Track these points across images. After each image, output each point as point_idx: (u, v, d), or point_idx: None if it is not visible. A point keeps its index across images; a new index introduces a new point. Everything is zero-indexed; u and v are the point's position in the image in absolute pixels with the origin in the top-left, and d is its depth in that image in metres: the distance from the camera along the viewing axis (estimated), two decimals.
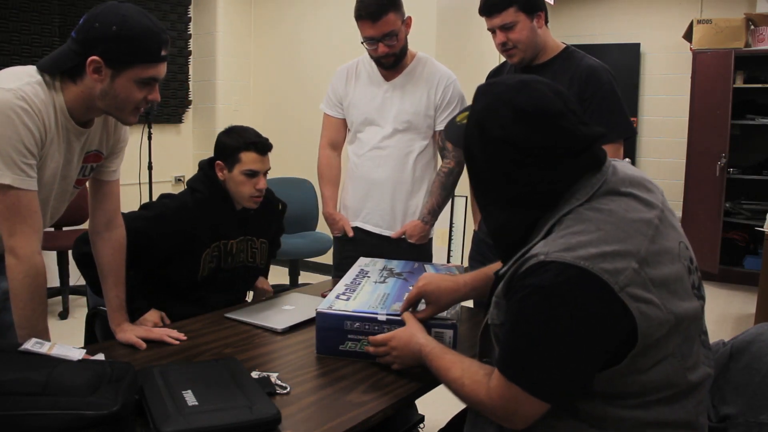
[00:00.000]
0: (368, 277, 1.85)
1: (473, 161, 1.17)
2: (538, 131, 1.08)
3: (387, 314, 1.52)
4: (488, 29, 2.06)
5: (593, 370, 1.03)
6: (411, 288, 1.68)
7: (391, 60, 2.23)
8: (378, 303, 1.60)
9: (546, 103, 1.09)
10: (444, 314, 1.53)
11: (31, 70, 1.39)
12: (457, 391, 1.21)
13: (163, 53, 1.39)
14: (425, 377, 1.40)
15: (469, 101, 2.33)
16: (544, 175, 1.09)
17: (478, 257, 2.32)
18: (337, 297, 1.64)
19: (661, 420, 1.06)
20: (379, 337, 1.47)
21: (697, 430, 1.10)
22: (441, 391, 1.40)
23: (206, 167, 2.02)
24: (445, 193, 2.33)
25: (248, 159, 1.95)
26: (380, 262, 2.03)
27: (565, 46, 2.11)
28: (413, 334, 1.40)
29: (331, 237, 2.52)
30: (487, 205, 1.20)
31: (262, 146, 1.97)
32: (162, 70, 1.41)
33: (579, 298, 0.99)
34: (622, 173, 1.14)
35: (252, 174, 1.96)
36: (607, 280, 0.98)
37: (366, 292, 1.69)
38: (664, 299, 1.02)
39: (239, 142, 1.96)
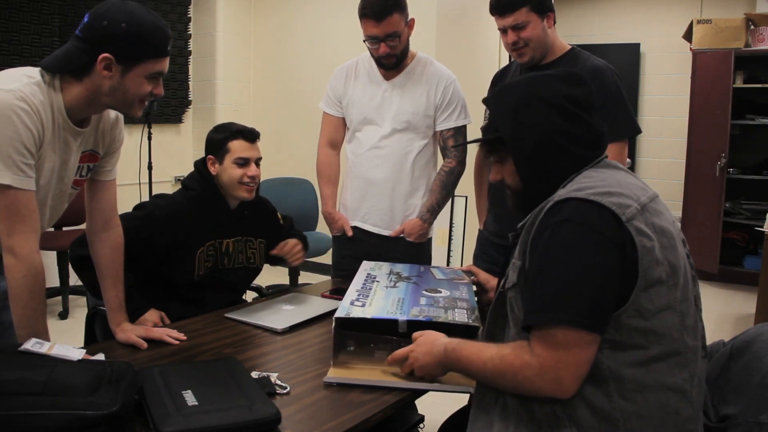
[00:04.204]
0: (377, 281, 1.81)
1: (516, 127, 1.25)
2: (583, 86, 1.26)
3: (407, 319, 1.49)
4: (499, 29, 2.07)
5: (615, 296, 1.08)
6: (424, 292, 1.69)
7: (392, 61, 2.23)
8: (395, 308, 1.56)
9: (579, 75, 1.30)
10: (465, 319, 1.51)
11: (29, 71, 1.40)
12: (497, 366, 1.14)
13: (169, 48, 1.43)
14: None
15: (469, 101, 2.35)
16: (581, 135, 1.23)
17: (483, 256, 2.32)
18: (352, 303, 1.59)
19: (660, 383, 1.09)
20: (400, 351, 1.40)
21: (692, 404, 1.12)
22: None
23: (200, 165, 2.03)
24: (445, 192, 2.33)
25: (237, 147, 1.97)
26: (385, 266, 2.01)
27: (571, 47, 2.12)
28: (436, 338, 1.35)
29: (331, 237, 2.52)
30: (521, 162, 1.27)
31: (249, 134, 2.01)
32: (167, 64, 1.45)
33: (597, 225, 1.09)
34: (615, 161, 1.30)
35: (243, 162, 1.97)
36: (615, 211, 1.10)
37: (380, 297, 1.65)
38: (662, 245, 1.11)
39: (226, 133, 1.99)
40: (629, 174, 1.25)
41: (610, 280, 1.07)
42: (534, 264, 1.14)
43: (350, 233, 2.38)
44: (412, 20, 2.23)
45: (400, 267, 2.01)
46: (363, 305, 1.57)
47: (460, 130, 2.32)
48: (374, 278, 1.84)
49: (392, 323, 1.48)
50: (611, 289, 1.07)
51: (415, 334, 1.41)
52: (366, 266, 2.00)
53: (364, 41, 2.21)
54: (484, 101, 1.37)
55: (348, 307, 1.55)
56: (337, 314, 1.50)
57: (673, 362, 1.10)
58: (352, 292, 1.69)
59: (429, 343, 1.35)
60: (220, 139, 1.99)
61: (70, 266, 3.92)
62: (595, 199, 1.10)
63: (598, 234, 1.08)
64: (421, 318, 1.49)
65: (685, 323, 1.12)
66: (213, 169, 2.00)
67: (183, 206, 1.95)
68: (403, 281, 1.83)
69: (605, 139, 1.28)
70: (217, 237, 2.01)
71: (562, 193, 1.15)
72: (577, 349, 1.06)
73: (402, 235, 2.33)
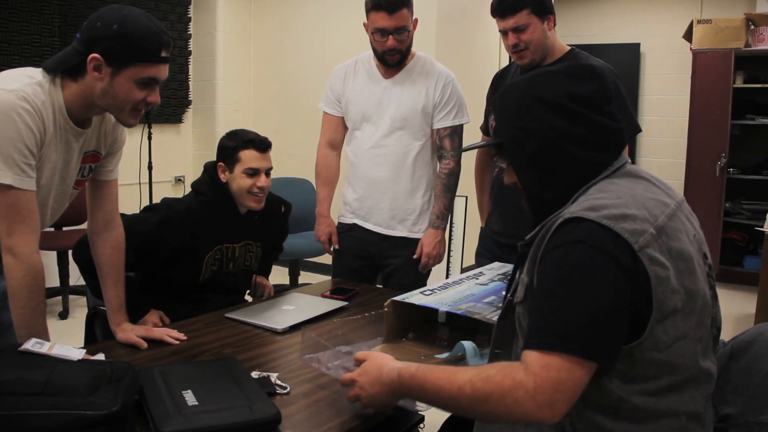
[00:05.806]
0: (477, 278, 1.78)
1: (514, 133, 1.19)
2: (593, 80, 1.17)
3: (448, 310, 1.51)
4: (500, 31, 2.08)
5: (625, 326, 1.03)
6: (503, 292, 1.66)
7: (397, 57, 2.24)
8: (455, 301, 1.55)
9: (591, 68, 1.21)
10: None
11: (31, 71, 1.40)
12: (479, 390, 1.02)
13: (163, 54, 1.41)
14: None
15: (469, 102, 2.35)
16: (587, 137, 1.14)
17: (485, 253, 2.35)
18: (422, 292, 1.62)
19: (673, 409, 1.06)
20: (346, 376, 1.27)
21: (703, 424, 1.11)
22: None
23: (211, 170, 2.03)
24: (450, 194, 2.34)
25: (248, 157, 1.97)
26: (505, 268, 1.93)
27: (570, 48, 2.13)
28: (383, 363, 1.20)
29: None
30: (523, 169, 1.21)
31: (261, 144, 2.00)
32: (162, 71, 1.42)
33: (612, 249, 1.02)
34: (638, 167, 1.23)
35: (253, 172, 1.96)
36: (627, 239, 1.02)
37: (456, 291, 1.65)
38: (678, 271, 1.05)
39: (238, 142, 1.98)
40: (650, 183, 1.17)
41: (620, 307, 1.01)
42: (541, 284, 1.07)
43: (336, 246, 2.43)
44: (416, 20, 2.25)
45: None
46: (429, 295, 1.62)
47: (457, 130, 2.33)
48: (479, 274, 1.82)
49: (434, 312, 1.55)
50: (621, 315, 1.02)
51: (359, 355, 1.28)
52: (488, 264, 1.97)
53: (372, 34, 2.20)
54: (491, 103, 1.32)
55: (414, 293, 1.63)
56: (395, 297, 1.59)
57: (686, 389, 1.07)
58: (439, 282, 1.74)
59: (375, 369, 1.21)
60: (231, 147, 1.98)
61: (70, 266, 3.93)
62: (607, 224, 1.03)
63: (612, 258, 1.01)
64: (459, 312, 1.50)
65: (698, 348, 1.08)
66: (223, 177, 2.00)
67: (196, 211, 1.96)
68: (501, 281, 1.78)
69: (623, 137, 1.19)
70: (226, 242, 2.02)
71: (573, 210, 1.08)
72: (579, 375, 0.99)
73: (406, 235, 2.33)
